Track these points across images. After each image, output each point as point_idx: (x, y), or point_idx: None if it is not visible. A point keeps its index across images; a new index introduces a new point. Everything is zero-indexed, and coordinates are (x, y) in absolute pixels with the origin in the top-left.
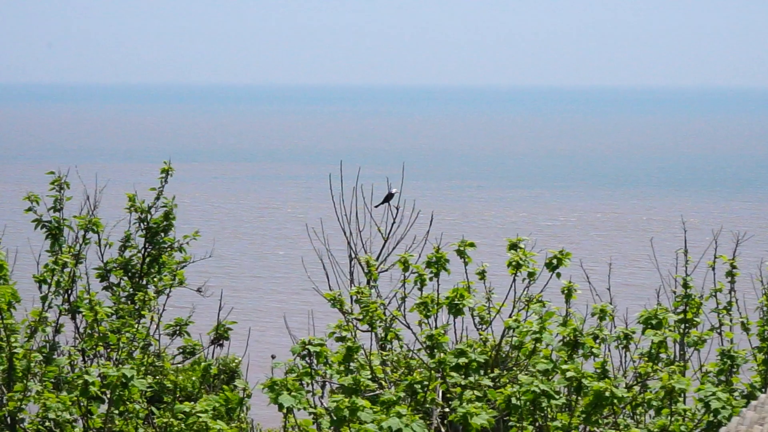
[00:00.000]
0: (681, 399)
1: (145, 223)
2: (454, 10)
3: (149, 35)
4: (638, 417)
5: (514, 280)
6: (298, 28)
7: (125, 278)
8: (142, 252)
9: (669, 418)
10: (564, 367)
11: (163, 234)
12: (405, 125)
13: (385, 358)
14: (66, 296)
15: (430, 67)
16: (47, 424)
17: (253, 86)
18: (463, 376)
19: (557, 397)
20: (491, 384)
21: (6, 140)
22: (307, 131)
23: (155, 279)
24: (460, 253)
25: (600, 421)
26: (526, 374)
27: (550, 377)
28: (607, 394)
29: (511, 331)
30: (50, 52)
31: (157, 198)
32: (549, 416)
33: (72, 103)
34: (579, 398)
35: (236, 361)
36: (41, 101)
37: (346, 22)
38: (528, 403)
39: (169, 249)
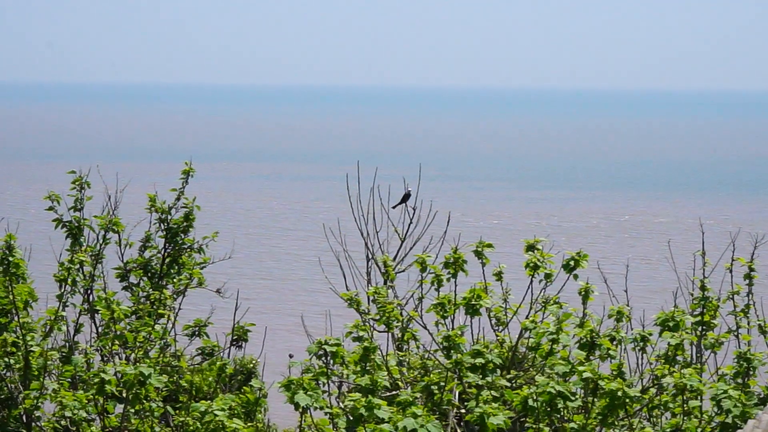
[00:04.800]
0: (695, 398)
1: (166, 224)
2: (473, 13)
3: (170, 35)
4: (654, 419)
5: (531, 281)
6: (314, 29)
7: (145, 278)
8: (162, 252)
9: (681, 417)
10: (580, 368)
11: (183, 235)
12: (421, 126)
13: (401, 358)
14: (86, 296)
15: (444, 69)
16: (63, 422)
17: (270, 87)
18: (480, 377)
19: (573, 398)
20: (508, 384)
21: (26, 139)
22: (324, 132)
23: (174, 280)
24: (478, 254)
25: (616, 423)
26: (543, 376)
27: (567, 378)
28: (620, 394)
29: (528, 332)
30: (58, 51)
31: (178, 198)
32: (565, 418)
33: (93, 103)
34: (595, 400)
35: (253, 362)
36: (59, 100)
37: (361, 23)
38: (544, 405)
39: (188, 250)
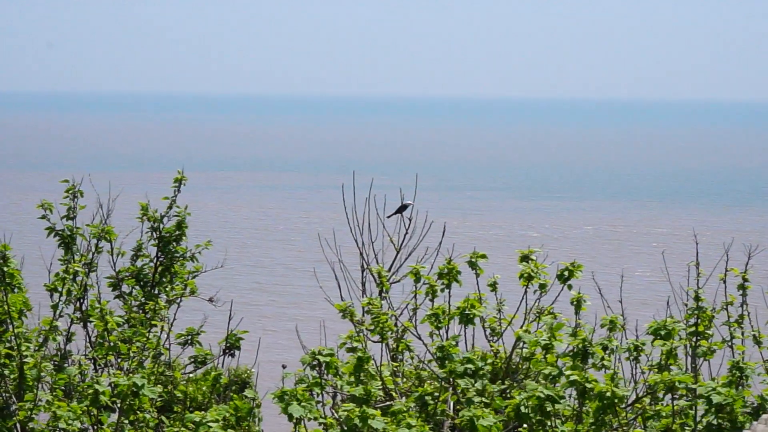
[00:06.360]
0: (683, 398)
1: (158, 233)
2: (471, 23)
3: (162, 45)
4: (649, 429)
5: (526, 291)
6: (306, 38)
7: (137, 287)
8: (154, 261)
9: (672, 416)
10: (568, 372)
11: (175, 243)
12: (417, 136)
13: (395, 369)
14: (78, 305)
15: (439, 78)
16: None
17: (265, 96)
18: (471, 381)
19: (561, 402)
20: (497, 390)
21: (19, 148)
22: (321, 141)
23: (167, 288)
24: (472, 265)
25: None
26: (533, 381)
27: (555, 383)
28: (609, 394)
29: (522, 342)
30: (56, 58)
31: (170, 207)
32: (558, 426)
33: (86, 112)
34: (587, 407)
35: (248, 372)
36: (52, 109)
37: (359, 33)
38: (535, 411)
39: (181, 258)
